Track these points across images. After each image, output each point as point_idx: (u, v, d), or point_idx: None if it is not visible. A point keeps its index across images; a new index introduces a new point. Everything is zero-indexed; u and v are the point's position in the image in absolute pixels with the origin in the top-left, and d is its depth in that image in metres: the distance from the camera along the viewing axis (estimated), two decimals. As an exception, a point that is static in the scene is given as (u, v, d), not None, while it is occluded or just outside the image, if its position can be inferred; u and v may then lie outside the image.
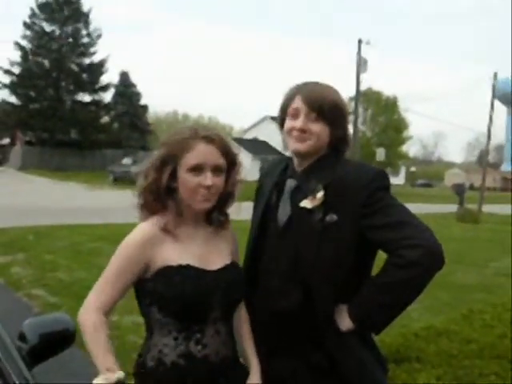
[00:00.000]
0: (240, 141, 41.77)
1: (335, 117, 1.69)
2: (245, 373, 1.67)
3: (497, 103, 31.97)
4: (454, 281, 7.66)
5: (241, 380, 1.65)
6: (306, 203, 1.66)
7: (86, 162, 37.31)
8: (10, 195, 17.81)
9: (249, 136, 51.67)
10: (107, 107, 40.79)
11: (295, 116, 1.70)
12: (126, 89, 42.90)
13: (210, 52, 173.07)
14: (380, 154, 31.59)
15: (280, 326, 1.69)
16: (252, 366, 1.68)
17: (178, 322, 1.54)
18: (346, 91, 31.59)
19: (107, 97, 41.01)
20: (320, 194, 1.64)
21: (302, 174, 1.74)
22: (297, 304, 1.66)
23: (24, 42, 37.65)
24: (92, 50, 38.89)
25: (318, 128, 1.68)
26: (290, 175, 1.77)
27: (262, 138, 47.80)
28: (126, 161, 30.80)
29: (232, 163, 1.65)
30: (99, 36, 39.00)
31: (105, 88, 39.83)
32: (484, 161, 31.03)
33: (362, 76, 25.60)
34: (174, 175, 1.58)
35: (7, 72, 37.29)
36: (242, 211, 1.70)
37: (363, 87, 30.43)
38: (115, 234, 7.67)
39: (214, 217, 1.67)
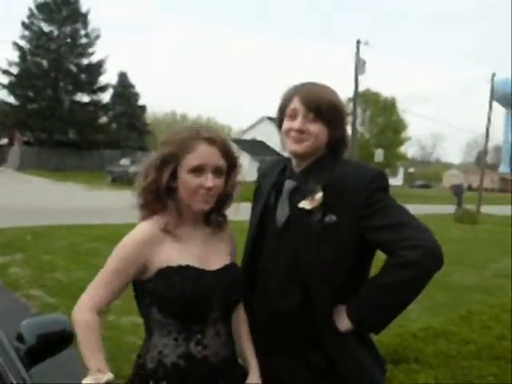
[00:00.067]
0: (238, 141, 41.74)
1: (333, 117, 1.69)
2: (243, 373, 1.67)
3: (495, 104, 32.02)
4: (453, 281, 7.66)
5: (240, 381, 1.65)
6: (305, 204, 1.66)
7: (85, 163, 37.30)
8: (8, 195, 17.77)
9: (247, 137, 51.69)
10: (105, 107, 40.80)
11: (293, 117, 1.70)
12: (125, 89, 42.86)
13: (209, 53, 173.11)
14: (378, 155, 31.65)
15: (278, 326, 1.69)
16: (251, 367, 1.68)
17: (179, 322, 1.54)
18: (345, 92, 31.64)
19: (105, 97, 41.13)
20: (319, 195, 1.64)
21: (300, 175, 1.74)
22: (295, 305, 1.66)
23: (22, 43, 37.73)
24: (90, 50, 38.96)
25: (316, 128, 1.67)
26: (289, 176, 1.77)
27: (260, 138, 47.84)
28: (125, 161, 30.82)
29: (232, 165, 1.65)
30: (97, 36, 39.06)
31: (103, 88, 39.87)
32: (482, 162, 31.09)
33: (361, 77, 25.62)
34: (174, 175, 1.57)
35: (5, 72, 37.31)
36: (240, 212, 1.70)
37: (362, 88, 30.45)
38: (113, 234, 7.66)
39: (212, 218, 1.67)
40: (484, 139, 28.44)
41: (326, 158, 1.73)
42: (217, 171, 1.57)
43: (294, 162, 1.77)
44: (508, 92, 65.71)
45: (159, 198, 1.58)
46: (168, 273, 1.52)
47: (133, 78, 47.12)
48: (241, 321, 1.73)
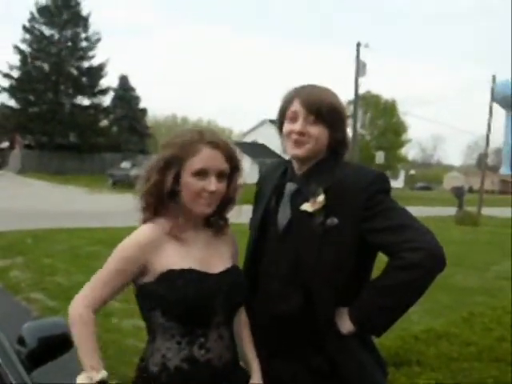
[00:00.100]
0: (239, 144, 41.78)
1: (334, 119, 1.69)
2: (245, 376, 1.67)
3: (496, 106, 32.01)
4: (455, 283, 7.65)
5: (242, 383, 1.64)
6: (307, 207, 1.65)
7: (85, 166, 37.34)
8: (9, 199, 17.79)
9: (248, 139, 51.71)
10: (106, 111, 40.87)
11: (294, 119, 1.70)
12: (125, 92, 42.96)
13: (209, 55, 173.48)
14: (379, 157, 31.63)
15: (280, 329, 1.69)
16: (253, 370, 1.68)
17: (182, 326, 1.53)
18: (345, 94, 31.68)
19: (106, 100, 41.19)
20: (321, 198, 1.64)
21: (301, 178, 1.74)
22: (297, 307, 1.65)
23: (23, 46, 37.83)
24: (91, 53, 39.06)
25: (317, 131, 1.67)
26: (290, 179, 1.77)
27: (261, 141, 47.88)
28: (125, 164, 30.84)
29: (235, 168, 1.64)
30: (98, 40, 39.16)
31: (104, 92, 39.92)
32: (483, 164, 31.05)
33: (361, 79, 25.63)
34: (176, 178, 1.57)
35: (6, 76, 37.39)
36: (241, 214, 1.70)
37: (362, 90, 30.47)
38: (114, 237, 7.64)
39: (214, 221, 1.67)
40: (484, 141, 28.44)
41: (326, 161, 1.73)
42: (220, 175, 1.57)
43: (295, 164, 1.77)
44: (508, 94, 65.59)
45: (161, 200, 1.58)
46: (170, 276, 1.52)
47: (133, 81, 47.35)
48: (242, 323, 1.73)
